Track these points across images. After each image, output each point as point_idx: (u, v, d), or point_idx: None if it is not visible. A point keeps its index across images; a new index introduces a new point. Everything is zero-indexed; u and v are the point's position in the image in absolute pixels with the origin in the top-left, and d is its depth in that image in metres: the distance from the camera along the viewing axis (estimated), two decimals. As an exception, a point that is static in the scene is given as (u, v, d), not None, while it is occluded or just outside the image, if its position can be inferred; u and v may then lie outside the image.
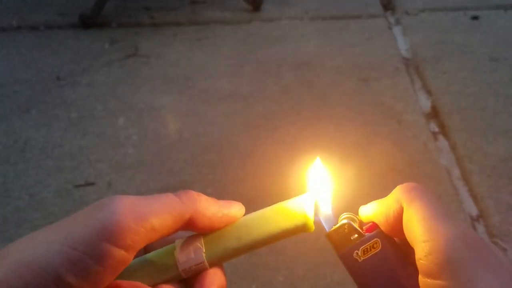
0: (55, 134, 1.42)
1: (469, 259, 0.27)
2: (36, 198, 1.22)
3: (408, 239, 0.31)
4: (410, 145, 1.33)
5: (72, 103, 1.55)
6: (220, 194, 1.19)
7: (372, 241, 0.33)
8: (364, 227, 0.34)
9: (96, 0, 1.94)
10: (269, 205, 0.34)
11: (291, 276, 1.02)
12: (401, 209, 0.31)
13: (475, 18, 1.93)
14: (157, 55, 1.78)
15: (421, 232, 0.29)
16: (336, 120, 1.43)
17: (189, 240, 0.33)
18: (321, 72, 1.66)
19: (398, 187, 0.33)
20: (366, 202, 0.35)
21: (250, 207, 0.35)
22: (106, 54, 1.79)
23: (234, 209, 0.34)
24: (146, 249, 0.34)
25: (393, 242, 0.34)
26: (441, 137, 1.37)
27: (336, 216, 0.35)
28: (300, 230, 0.33)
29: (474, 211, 1.15)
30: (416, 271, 0.30)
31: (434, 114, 1.46)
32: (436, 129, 1.40)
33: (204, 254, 0.32)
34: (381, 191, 0.37)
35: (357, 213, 0.35)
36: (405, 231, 0.31)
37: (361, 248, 0.33)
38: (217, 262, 0.33)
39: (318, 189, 0.36)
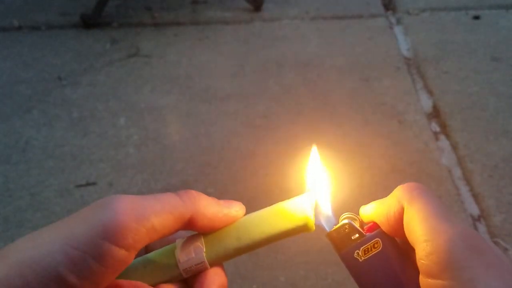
0: (56, 134, 1.43)
1: (470, 259, 0.27)
2: (38, 198, 1.22)
3: (409, 239, 0.31)
4: (411, 145, 1.33)
5: (73, 103, 1.55)
6: (221, 194, 1.19)
7: (373, 241, 0.33)
8: (365, 227, 0.34)
9: (97, 0, 1.94)
10: (270, 205, 0.34)
11: (292, 276, 1.02)
12: (402, 209, 0.31)
13: (476, 17, 1.93)
14: (158, 55, 1.78)
15: (422, 232, 0.29)
16: (337, 120, 1.43)
17: (189, 239, 0.33)
18: (322, 72, 1.66)
19: (399, 187, 0.33)
20: (366, 202, 0.35)
21: (251, 207, 0.35)
22: (107, 54, 1.79)
23: (235, 209, 0.34)
24: (147, 249, 0.34)
25: (394, 242, 0.33)
26: (442, 137, 1.37)
27: (337, 216, 0.35)
28: (301, 230, 0.33)
29: (475, 211, 1.15)
30: (416, 271, 0.30)
31: (435, 114, 1.46)
32: (437, 129, 1.40)
33: (204, 254, 0.32)
34: (382, 191, 0.37)
35: (357, 213, 0.35)
36: (406, 231, 0.31)
37: (362, 248, 0.33)
38: (217, 261, 0.33)
39: (318, 189, 0.36)
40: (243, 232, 0.33)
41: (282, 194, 0.38)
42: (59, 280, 0.26)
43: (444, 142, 1.35)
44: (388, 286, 0.32)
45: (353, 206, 0.37)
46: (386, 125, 1.41)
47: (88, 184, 1.25)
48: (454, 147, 1.33)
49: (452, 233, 0.28)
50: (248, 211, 0.35)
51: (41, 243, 0.27)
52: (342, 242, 0.34)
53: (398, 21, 1.95)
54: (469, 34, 1.83)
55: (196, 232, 0.34)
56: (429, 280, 0.28)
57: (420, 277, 0.29)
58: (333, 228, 0.34)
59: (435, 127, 1.41)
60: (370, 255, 0.33)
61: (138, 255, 0.32)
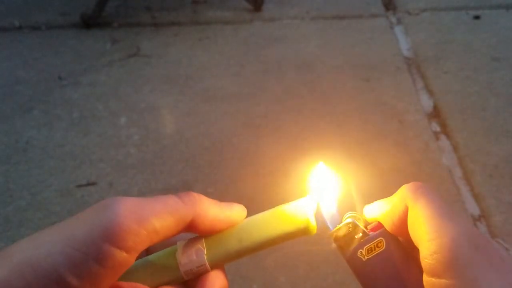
0: (56, 134, 1.43)
1: (474, 258, 0.27)
2: (38, 198, 1.22)
3: (413, 238, 0.31)
4: (411, 145, 1.33)
5: (73, 103, 1.55)
6: (222, 194, 1.19)
7: (376, 240, 0.33)
8: (368, 226, 0.34)
9: (97, 0, 1.94)
10: (271, 207, 0.34)
11: (292, 276, 1.02)
12: (406, 208, 0.31)
13: (476, 17, 1.93)
14: (159, 55, 1.78)
15: (426, 231, 0.29)
16: (337, 120, 1.43)
17: (190, 242, 0.33)
18: (322, 72, 1.66)
19: (403, 186, 0.33)
20: (367, 202, 0.35)
21: (252, 207, 0.35)
22: (107, 54, 1.79)
23: (236, 211, 0.34)
24: (148, 251, 0.34)
25: (397, 241, 0.33)
26: (442, 137, 1.37)
27: (341, 215, 0.35)
28: (302, 233, 0.33)
29: (476, 211, 1.15)
30: (420, 271, 0.30)
31: (436, 113, 1.46)
32: (438, 129, 1.40)
33: (205, 256, 0.32)
34: (383, 191, 0.37)
35: (361, 212, 0.35)
36: (410, 230, 0.31)
37: (365, 247, 0.33)
38: (218, 264, 0.33)
39: (321, 190, 0.36)
40: (245, 235, 0.33)
41: (283, 194, 0.38)
42: (60, 282, 0.26)
43: (444, 142, 1.35)
44: (392, 285, 0.32)
45: (353, 206, 0.37)
46: (387, 125, 1.41)
47: (88, 184, 1.25)
48: (455, 147, 1.33)
49: (456, 232, 0.28)
50: (248, 211, 0.35)
51: (42, 244, 0.27)
52: (346, 241, 0.34)
53: (399, 21, 1.95)
54: (469, 34, 1.83)
55: (197, 235, 0.34)
56: (433, 279, 0.28)
57: (424, 276, 0.29)
58: (337, 227, 0.34)
59: (436, 127, 1.41)
60: (374, 254, 0.33)
61: (139, 257, 0.32)
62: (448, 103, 1.49)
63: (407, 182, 0.33)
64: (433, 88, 1.56)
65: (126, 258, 0.28)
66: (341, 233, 0.34)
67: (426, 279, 0.29)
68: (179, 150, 1.35)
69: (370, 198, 0.36)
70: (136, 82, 1.64)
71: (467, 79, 1.59)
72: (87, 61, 1.76)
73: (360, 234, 0.33)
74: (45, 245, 0.27)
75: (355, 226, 0.34)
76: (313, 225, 0.33)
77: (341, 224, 0.34)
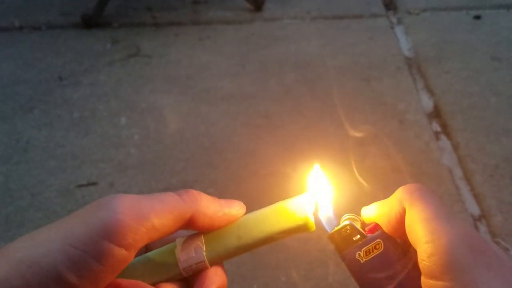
0: (57, 134, 1.43)
1: (472, 260, 0.27)
2: (38, 198, 1.22)
3: (411, 240, 0.31)
4: (412, 145, 1.33)
5: (74, 103, 1.56)
6: (222, 193, 1.19)
7: (374, 242, 0.33)
8: (366, 228, 0.34)
9: (98, 0, 1.95)
10: (270, 205, 0.34)
11: (292, 276, 1.02)
12: (404, 210, 0.31)
13: (477, 17, 1.93)
14: (159, 55, 1.78)
15: (423, 233, 0.29)
16: (337, 119, 1.43)
17: (189, 239, 0.33)
18: (323, 72, 1.66)
19: (400, 188, 0.33)
20: (367, 203, 0.35)
21: (251, 207, 0.35)
22: (108, 54, 1.79)
23: (235, 208, 0.34)
24: (147, 248, 0.34)
25: (395, 243, 0.33)
26: (443, 137, 1.37)
27: (338, 217, 0.35)
28: (301, 229, 0.33)
29: (476, 211, 1.15)
30: (418, 272, 0.30)
31: (436, 113, 1.46)
32: (438, 129, 1.40)
33: (204, 253, 0.32)
34: (383, 191, 0.37)
35: (359, 214, 0.35)
36: (408, 232, 0.31)
37: (363, 249, 0.33)
38: (217, 261, 0.33)
39: (318, 190, 0.36)
40: (244, 231, 0.33)
41: (283, 194, 0.38)
42: (59, 279, 0.26)
43: (444, 142, 1.35)
44: (390, 287, 0.32)
45: (353, 207, 0.37)
46: (387, 124, 1.41)
47: (89, 184, 1.25)
48: (455, 147, 1.33)
49: (454, 234, 0.28)
50: (248, 211, 0.35)
51: (40, 242, 0.27)
52: (344, 243, 0.33)
53: (399, 21, 1.95)
54: (470, 34, 1.83)
55: (196, 231, 0.34)
56: (431, 281, 0.28)
57: (422, 278, 0.29)
58: (335, 229, 0.34)
59: (436, 127, 1.41)
60: (372, 256, 0.33)
61: (138, 254, 0.32)
62: (448, 103, 1.49)
63: (407, 182, 0.33)
64: (434, 88, 1.56)
65: (125, 255, 0.28)
66: (339, 235, 0.34)
67: (424, 281, 0.29)
68: (179, 150, 1.35)
69: (369, 198, 0.36)
70: (137, 82, 1.64)
71: (467, 79, 1.59)
72: (88, 61, 1.76)
73: (358, 236, 0.33)
74: (44, 243, 0.27)
75: (352, 228, 0.34)
76: (312, 221, 0.33)
77: (339, 226, 0.34)
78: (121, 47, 1.83)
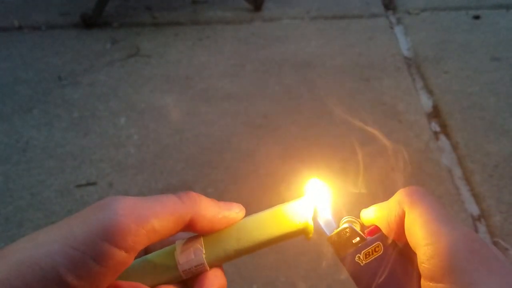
0: (56, 134, 1.43)
1: (471, 262, 0.27)
2: (38, 197, 1.22)
3: (410, 243, 0.31)
4: (411, 145, 1.33)
5: (73, 103, 1.55)
6: (221, 194, 1.19)
7: (374, 244, 0.33)
8: (365, 231, 0.34)
9: (97, 0, 1.94)
10: (269, 207, 0.34)
11: (292, 276, 1.02)
12: (403, 213, 0.31)
13: (476, 17, 1.93)
14: (159, 55, 1.78)
15: (423, 236, 0.29)
16: (337, 120, 1.43)
17: (189, 241, 0.33)
18: (322, 72, 1.66)
19: (400, 190, 0.33)
20: (367, 203, 0.35)
21: (251, 207, 0.35)
22: (107, 54, 1.79)
23: (234, 211, 0.34)
24: (147, 250, 0.34)
25: (395, 245, 0.33)
26: (442, 137, 1.37)
27: (337, 220, 0.35)
28: (299, 233, 0.33)
29: (475, 211, 1.15)
30: (418, 275, 0.30)
31: (436, 113, 1.46)
32: (438, 129, 1.40)
33: (204, 255, 0.32)
34: (382, 192, 0.37)
35: (358, 217, 0.35)
36: (407, 235, 0.31)
37: (363, 251, 0.33)
38: (217, 263, 0.33)
39: (317, 193, 0.36)
40: (243, 234, 0.33)
41: (282, 195, 0.38)
42: (59, 281, 0.26)
43: (444, 142, 1.35)
44: None
45: (353, 207, 0.37)
46: (386, 124, 1.41)
47: (88, 184, 1.25)
48: (454, 147, 1.33)
49: (453, 237, 0.28)
50: (248, 211, 0.35)
51: (41, 244, 0.27)
52: (343, 246, 0.33)
53: (399, 21, 1.95)
54: (469, 34, 1.83)
55: (196, 234, 0.34)
56: (431, 284, 0.28)
57: (422, 281, 0.29)
58: (334, 232, 0.34)
59: (435, 127, 1.41)
60: (371, 259, 0.33)
61: (138, 256, 0.32)
62: (448, 103, 1.49)
63: (407, 183, 0.33)
64: (433, 88, 1.56)
65: (125, 257, 0.28)
66: (338, 237, 0.34)
67: (424, 283, 0.29)
68: (179, 150, 1.35)
69: (369, 198, 0.36)
70: (136, 82, 1.64)
71: (467, 79, 1.59)
72: (87, 61, 1.76)
73: (358, 239, 0.33)
74: (44, 244, 0.27)
75: (352, 230, 0.33)
76: (311, 225, 0.33)
77: (338, 229, 0.34)
78: (121, 47, 1.83)
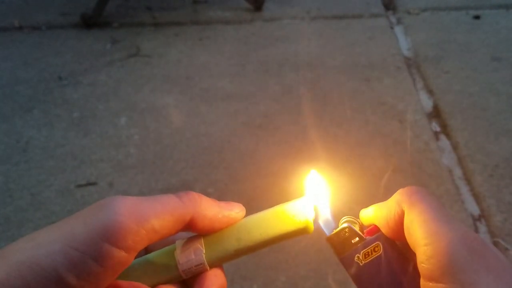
0: (57, 134, 1.43)
1: (471, 262, 0.27)
2: (38, 197, 1.22)
3: (410, 243, 0.31)
4: (411, 145, 1.33)
5: (74, 103, 1.56)
6: (221, 194, 1.19)
7: (373, 244, 0.33)
8: (365, 231, 0.34)
9: (97, 0, 1.94)
10: (270, 207, 0.34)
11: (292, 276, 1.02)
12: (402, 213, 0.31)
13: (477, 17, 1.93)
14: (159, 55, 1.78)
15: (422, 236, 0.29)
16: (337, 119, 1.43)
17: (189, 241, 0.33)
18: (322, 72, 1.66)
19: (399, 190, 0.32)
20: (367, 203, 0.35)
21: (251, 207, 0.35)
22: (107, 54, 1.79)
23: (235, 211, 0.34)
24: (147, 250, 0.34)
25: (394, 245, 0.33)
26: (442, 137, 1.37)
27: (337, 220, 0.35)
28: (300, 232, 0.33)
29: (475, 211, 1.15)
30: (417, 275, 0.30)
31: (436, 113, 1.46)
32: (438, 129, 1.40)
33: (204, 255, 0.32)
34: (382, 191, 0.37)
35: (357, 216, 0.35)
36: (407, 235, 0.31)
37: (362, 251, 0.33)
38: (217, 263, 0.33)
39: (317, 193, 0.36)
40: (243, 234, 0.33)
41: (282, 194, 0.38)
42: (59, 281, 0.26)
43: (444, 142, 1.35)
44: None
45: (353, 207, 0.37)
46: (387, 124, 1.41)
47: (88, 184, 1.25)
48: (455, 147, 1.33)
49: (453, 237, 0.28)
50: (248, 211, 0.35)
51: (41, 244, 0.27)
52: (342, 246, 0.33)
53: (399, 21, 1.95)
54: (469, 34, 1.83)
55: (196, 234, 0.34)
56: (430, 283, 0.28)
57: (421, 280, 0.29)
58: (333, 232, 0.34)
59: (436, 126, 1.41)
60: (371, 258, 0.33)
61: (138, 256, 0.32)
62: (448, 103, 1.49)
63: (407, 182, 0.33)
64: (433, 88, 1.56)
65: (125, 257, 0.28)
66: (337, 237, 0.34)
67: (423, 283, 0.29)
68: (179, 150, 1.35)
69: (369, 198, 0.36)
70: (136, 82, 1.64)
71: (467, 79, 1.59)
72: (87, 61, 1.76)
73: (357, 239, 0.33)
74: (44, 244, 0.27)
75: (351, 230, 0.33)
76: (311, 225, 0.33)
77: (337, 229, 0.34)
78: (121, 47, 1.83)
